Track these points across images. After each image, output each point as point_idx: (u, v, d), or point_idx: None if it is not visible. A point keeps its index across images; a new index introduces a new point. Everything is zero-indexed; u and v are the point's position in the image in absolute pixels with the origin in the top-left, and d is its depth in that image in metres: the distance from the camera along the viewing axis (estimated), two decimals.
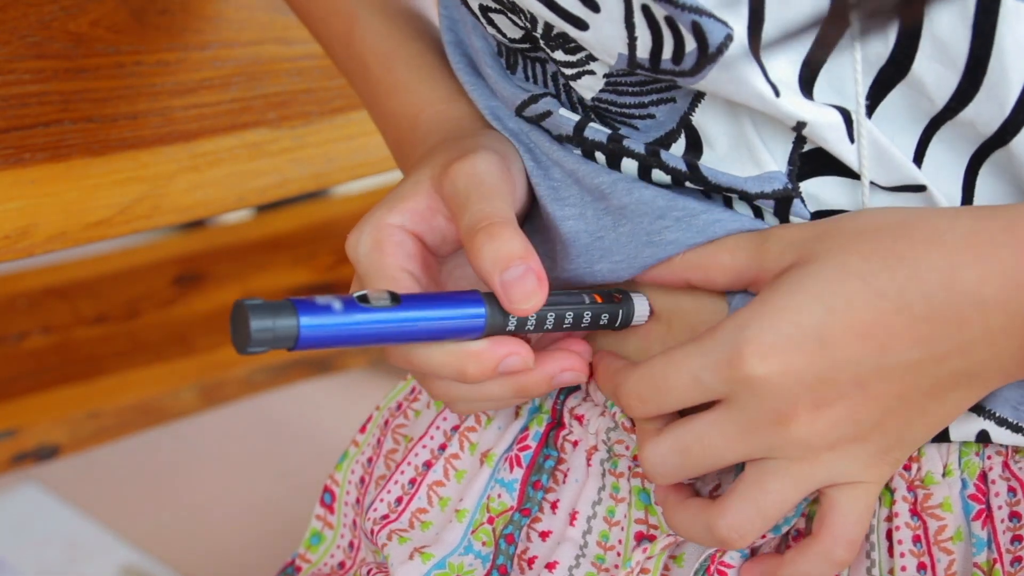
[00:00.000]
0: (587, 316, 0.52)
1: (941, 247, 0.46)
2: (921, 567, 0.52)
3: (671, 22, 0.45)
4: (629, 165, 0.52)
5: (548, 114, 0.55)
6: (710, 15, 0.44)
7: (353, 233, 0.52)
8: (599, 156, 0.53)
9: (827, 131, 0.48)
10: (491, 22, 0.55)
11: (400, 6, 0.64)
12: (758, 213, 0.52)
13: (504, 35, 0.55)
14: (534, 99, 0.55)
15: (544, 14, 0.48)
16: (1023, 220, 0.46)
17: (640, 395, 0.49)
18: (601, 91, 0.52)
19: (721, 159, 0.50)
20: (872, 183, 0.49)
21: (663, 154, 0.51)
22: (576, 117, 0.54)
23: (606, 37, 0.47)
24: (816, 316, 0.46)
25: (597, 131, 0.53)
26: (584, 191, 0.54)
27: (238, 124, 0.80)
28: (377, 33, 0.63)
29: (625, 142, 0.52)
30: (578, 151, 0.54)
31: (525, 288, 0.47)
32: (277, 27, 0.84)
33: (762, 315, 0.46)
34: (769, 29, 0.46)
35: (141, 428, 1.14)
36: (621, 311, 0.53)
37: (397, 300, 0.47)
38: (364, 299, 0.46)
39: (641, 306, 0.54)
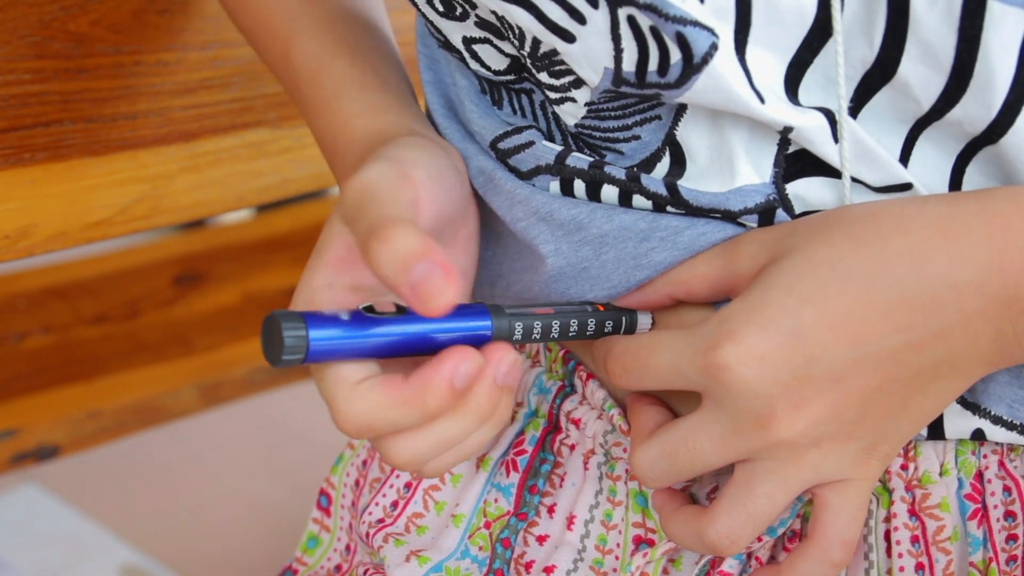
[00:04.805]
0: (591, 324, 0.52)
1: (909, 233, 0.45)
2: (919, 567, 0.52)
3: (656, 33, 0.45)
4: (609, 193, 0.52)
5: (528, 145, 0.54)
6: (695, 23, 0.44)
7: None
8: (578, 186, 0.53)
9: (813, 134, 0.48)
10: (475, 55, 0.54)
11: (337, 20, 0.62)
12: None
13: (488, 68, 0.54)
14: (517, 130, 0.55)
15: (532, 27, 0.48)
16: (994, 203, 0.46)
17: (624, 365, 0.50)
18: (584, 117, 0.51)
19: (701, 172, 0.50)
20: (860, 183, 0.49)
21: (644, 179, 0.51)
22: (558, 148, 0.53)
23: (593, 50, 0.47)
24: (788, 309, 0.46)
25: (579, 159, 0.52)
26: (553, 227, 0.53)
27: (238, 124, 0.80)
28: (308, 52, 0.60)
29: (606, 168, 0.52)
30: (556, 181, 0.53)
31: (431, 287, 0.42)
32: None
33: (738, 312, 0.46)
34: (756, 33, 0.46)
35: (141, 428, 1.14)
36: (624, 319, 0.53)
37: (403, 311, 0.47)
38: (370, 309, 0.47)
39: (644, 314, 0.54)
